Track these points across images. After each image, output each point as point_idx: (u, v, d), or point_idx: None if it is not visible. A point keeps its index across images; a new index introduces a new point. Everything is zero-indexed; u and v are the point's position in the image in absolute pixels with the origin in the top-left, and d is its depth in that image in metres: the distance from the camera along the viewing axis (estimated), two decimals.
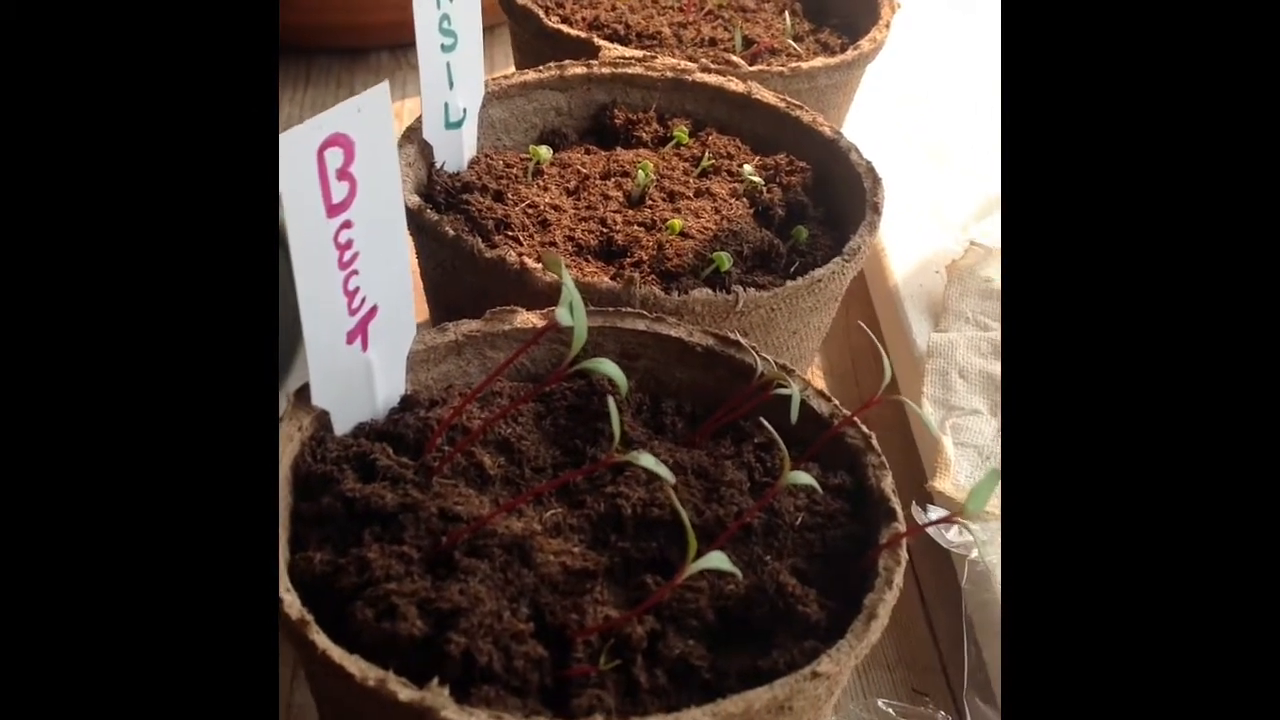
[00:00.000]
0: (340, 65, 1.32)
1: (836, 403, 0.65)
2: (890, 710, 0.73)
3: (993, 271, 1.00)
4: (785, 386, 0.63)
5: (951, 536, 0.80)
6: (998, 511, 0.81)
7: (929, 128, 1.22)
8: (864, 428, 0.64)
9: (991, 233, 1.07)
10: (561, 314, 0.57)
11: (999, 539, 0.79)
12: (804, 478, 0.58)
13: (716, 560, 0.53)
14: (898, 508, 0.60)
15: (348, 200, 0.57)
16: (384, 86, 0.57)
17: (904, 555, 0.58)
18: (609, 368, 0.57)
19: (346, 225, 0.57)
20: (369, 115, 0.57)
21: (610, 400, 0.55)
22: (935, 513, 0.80)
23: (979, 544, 0.79)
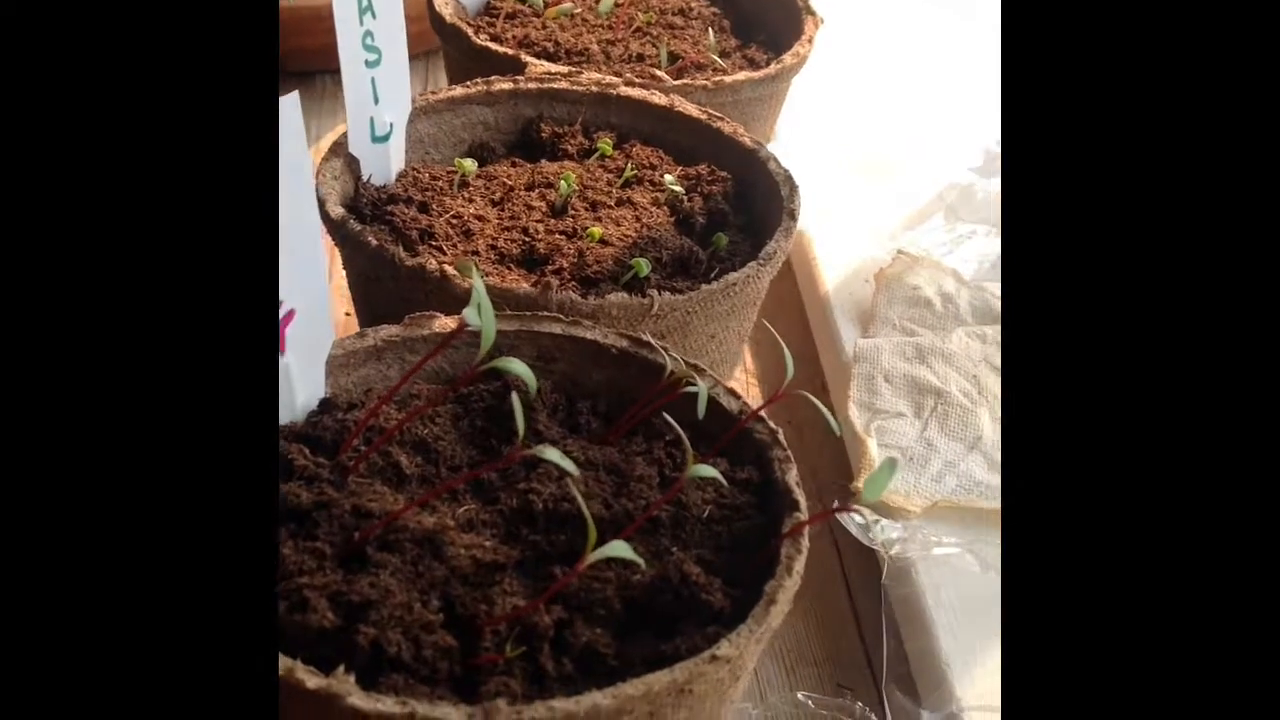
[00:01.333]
0: (284, 88, 1.33)
1: (745, 400, 0.67)
2: (809, 703, 0.75)
3: (919, 279, 1.02)
4: (694, 384, 0.65)
5: (875, 534, 0.82)
6: (916, 508, 0.83)
7: (860, 141, 1.24)
8: (770, 423, 0.66)
9: (918, 242, 1.09)
10: (469, 314, 0.59)
11: (918, 535, 0.81)
12: (707, 470, 0.59)
13: (618, 549, 0.54)
14: (801, 499, 0.62)
15: None
16: (294, 96, 0.59)
17: (805, 544, 0.59)
18: (517, 366, 0.59)
19: None
20: (281, 124, 0.58)
21: (514, 395, 0.57)
22: (856, 513, 0.82)
23: (897, 540, 0.81)
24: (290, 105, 0.59)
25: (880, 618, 0.82)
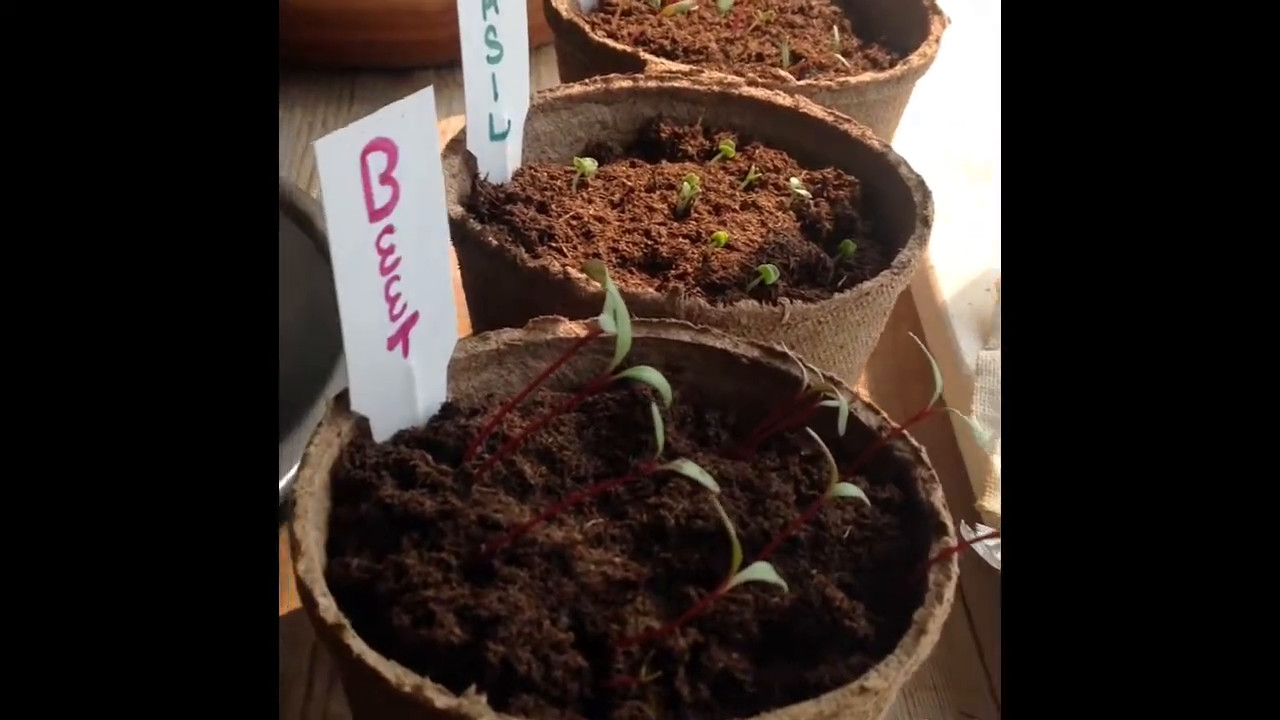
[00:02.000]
0: (385, 83, 1.32)
1: (885, 415, 0.64)
2: None
3: None
4: (832, 398, 0.62)
5: (1000, 555, 0.78)
6: None
7: (978, 146, 1.21)
8: (913, 440, 0.63)
9: None
10: (605, 320, 0.56)
11: None
12: (851, 490, 0.56)
13: (761, 571, 0.52)
14: (948, 521, 0.59)
15: (390, 205, 0.57)
16: (428, 92, 0.57)
17: (955, 570, 0.56)
18: (652, 375, 0.57)
19: (389, 230, 0.57)
20: (413, 121, 0.56)
21: (654, 407, 0.54)
22: (984, 531, 0.79)
23: None
24: (424, 102, 0.57)
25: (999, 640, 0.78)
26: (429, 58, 1.33)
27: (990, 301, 0.99)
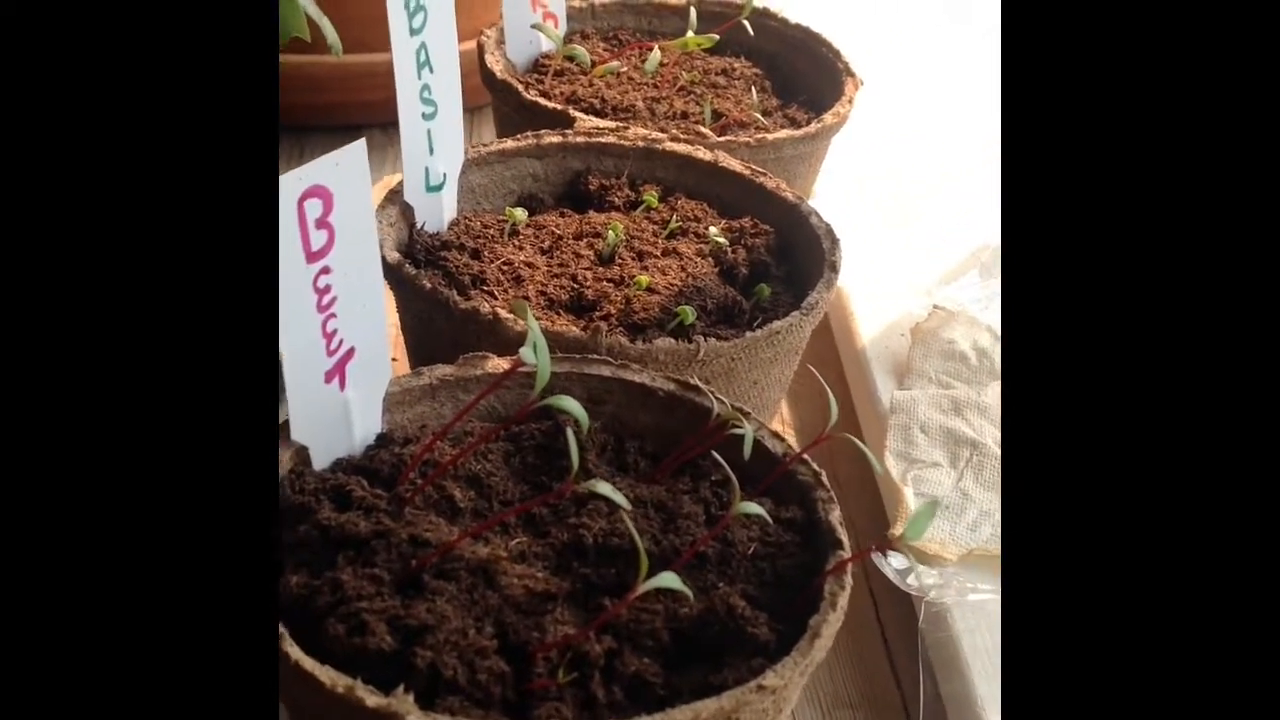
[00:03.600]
0: (335, 142, 1.35)
1: (788, 442, 0.69)
2: None
3: (955, 334, 1.04)
4: (740, 427, 0.67)
5: (911, 581, 0.83)
6: (952, 556, 0.85)
7: (895, 199, 1.27)
8: (814, 465, 0.68)
9: (955, 296, 1.11)
10: (525, 353, 0.61)
11: (954, 582, 0.83)
12: (753, 507, 0.61)
13: (668, 580, 0.56)
14: (844, 538, 0.63)
15: (326, 248, 0.61)
16: (361, 143, 0.62)
17: (848, 580, 0.61)
18: (570, 403, 0.61)
19: (325, 271, 0.62)
20: (346, 169, 0.61)
21: (568, 431, 0.59)
22: (895, 558, 0.84)
23: (934, 586, 0.82)
24: (357, 152, 0.62)
25: (915, 663, 0.83)
26: (377, 117, 1.37)
27: (905, 345, 1.04)
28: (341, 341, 0.64)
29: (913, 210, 1.25)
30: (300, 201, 0.59)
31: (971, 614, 0.81)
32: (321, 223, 0.60)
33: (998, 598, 0.82)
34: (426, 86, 0.81)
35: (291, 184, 0.58)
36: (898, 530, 0.87)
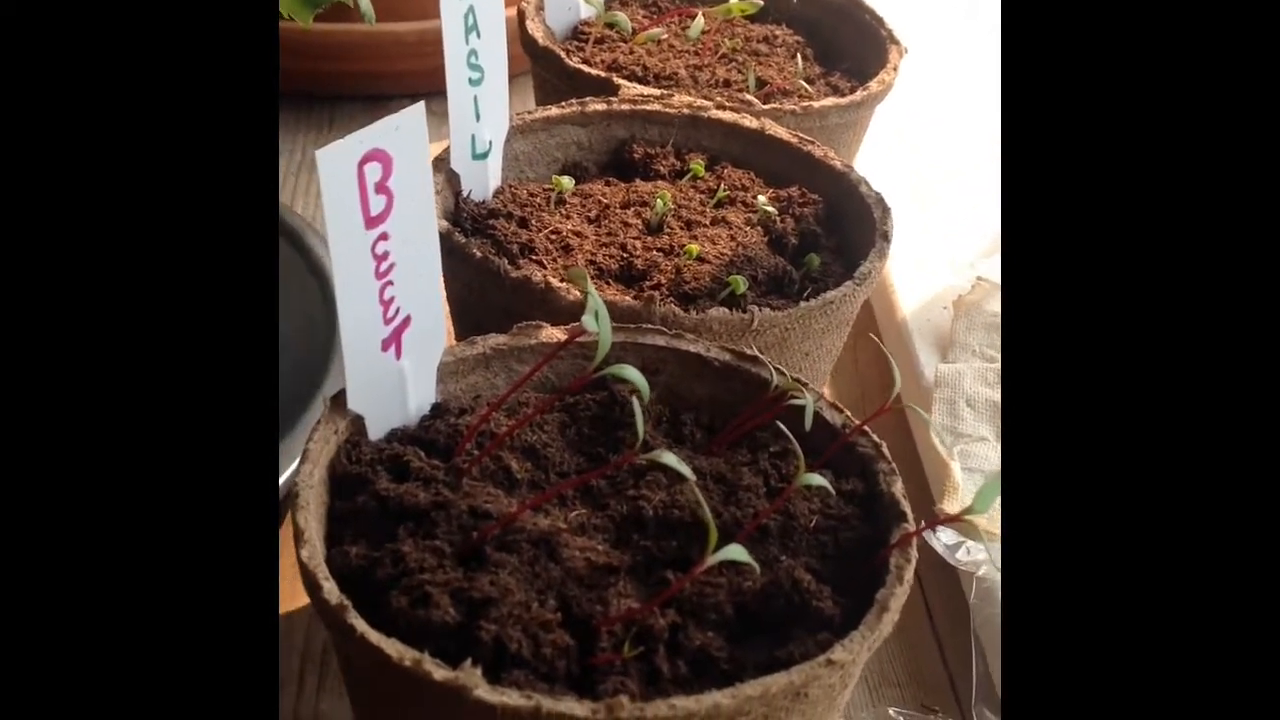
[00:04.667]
0: (363, 111, 1.35)
1: (848, 413, 0.68)
2: (900, 718, 0.75)
3: (999, 306, 1.03)
4: (799, 397, 0.66)
5: (960, 555, 0.82)
6: (999, 531, 0.84)
7: (938, 168, 1.25)
8: (874, 436, 0.67)
9: (997, 269, 1.10)
10: (587, 320, 0.60)
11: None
12: (817, 479, 0.60)
13: (735, 552, 0.55)
14: (908, 510, 0.63)
15: (385, 213, 0.60)
16: (420, 106, 0.61)
17: (914, 554, 0.60)
18: (632, 373, 0.60)
19: (383, 237, 0.61)
20: (405, 132, 0.60)
21: (633, 400, 0.58)
22: (945, 532, 0.83)
23: (984, 562, 0.81)
24: (416, 115, 0.61)
25: (960, 641, 0.82)
26: (406, 87, 1.36)
27: (948, 318, 1.03)
28: (398, 310, 0.63)
29: (953, 182, 1.23)
30: (361, 165, 0.58)
31: None
32: (381, 187, 0.59)
33: None
34: (474, 52, 0.80)
35: (352, 147, 0.57)
36: (946, 505, 0.86)
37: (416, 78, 1.34)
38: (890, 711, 0.76)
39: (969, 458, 0.90)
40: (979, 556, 0.82)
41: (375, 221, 0.60)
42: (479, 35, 0.80)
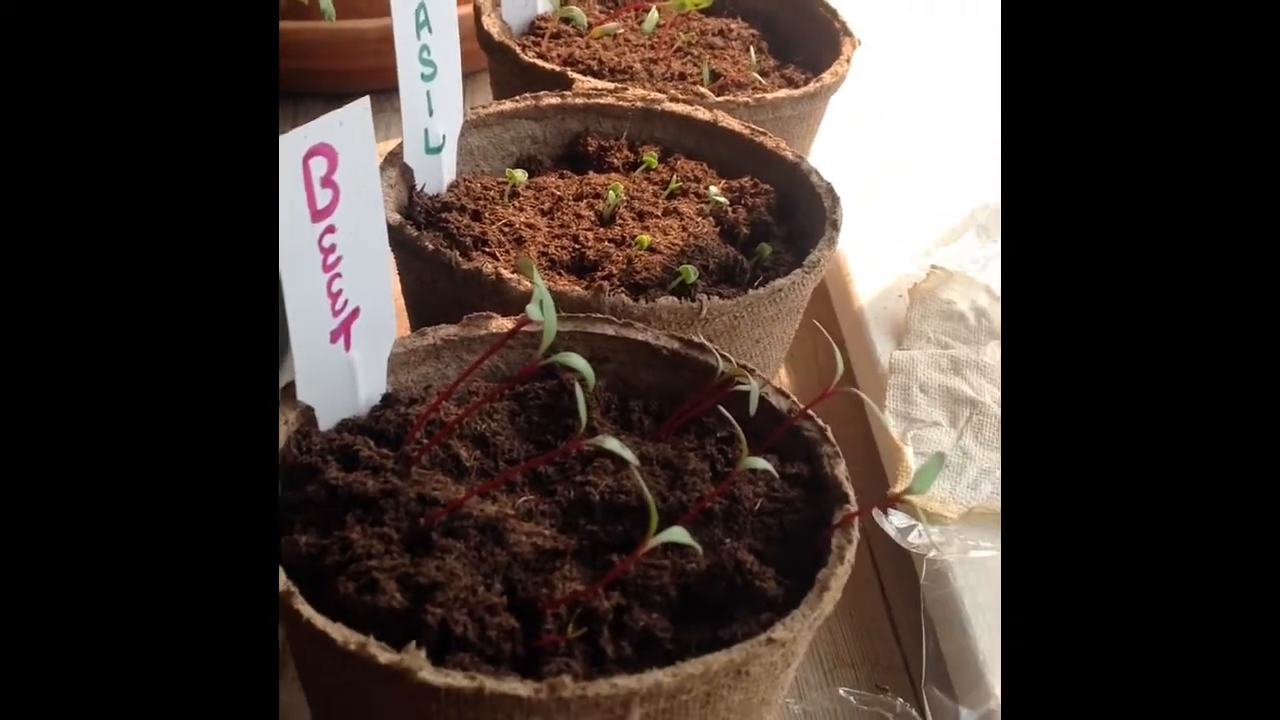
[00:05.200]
0: (325, 108, 1.35)
1: (794, 398, 0.69)
2: (851, 699, 0.77)
3: (953, 294, 1.04)
4: (745, 383, 0.67)
5: (912, 538, 0.83)
6: (953, 514, 0.85)
7: (893, 160, 1.27)
8: (819, 420, 0.68)
9: (953, 257, 1.11)
10: (532, 309, 0.61)
11: (955, 539, 0.83)
12: (760, 462, 0.61)
13: (677, 534, 0.56)
14: (850, 492, 0.64)
15: (331, 207, 0.61)
16: (364, 101, 0.62)
17: (855, 534, 0.61)
18: (577, 361, 0.61)
19: (330, 230, 0.61)
20: (350, 127, 0.61)
21: (577, 387, 0.59)
22: (898, 516, 0.84)
23: (935, 544, 0.82)
24: (360, 110, 0.61)
25: (915, 622, 0.83)
26: (369, 84, 1.36)
27: (903, 307, 1.05)
28: (347, 301, 0.63)
29: (908, 172, 1.25)
30: (305, 159, 0.58)
31: (972, 571, 0.81)
32: (326, 181, 0.60)
33: (998, 555, 0.82)
34: (426, 47, 0.81)
35: (296, 142, 0.58)
36: (899, 489, 0.87)
37: (379, 75, 1.33)
38: (841, 691, 0.77)
39: (922, 442, 0.91)
40: (931, 539, 0.83)
41: (321, 215, 0.60)
42: (430, 31, 0.81)
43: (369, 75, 1.35)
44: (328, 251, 0.62)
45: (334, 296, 0.63)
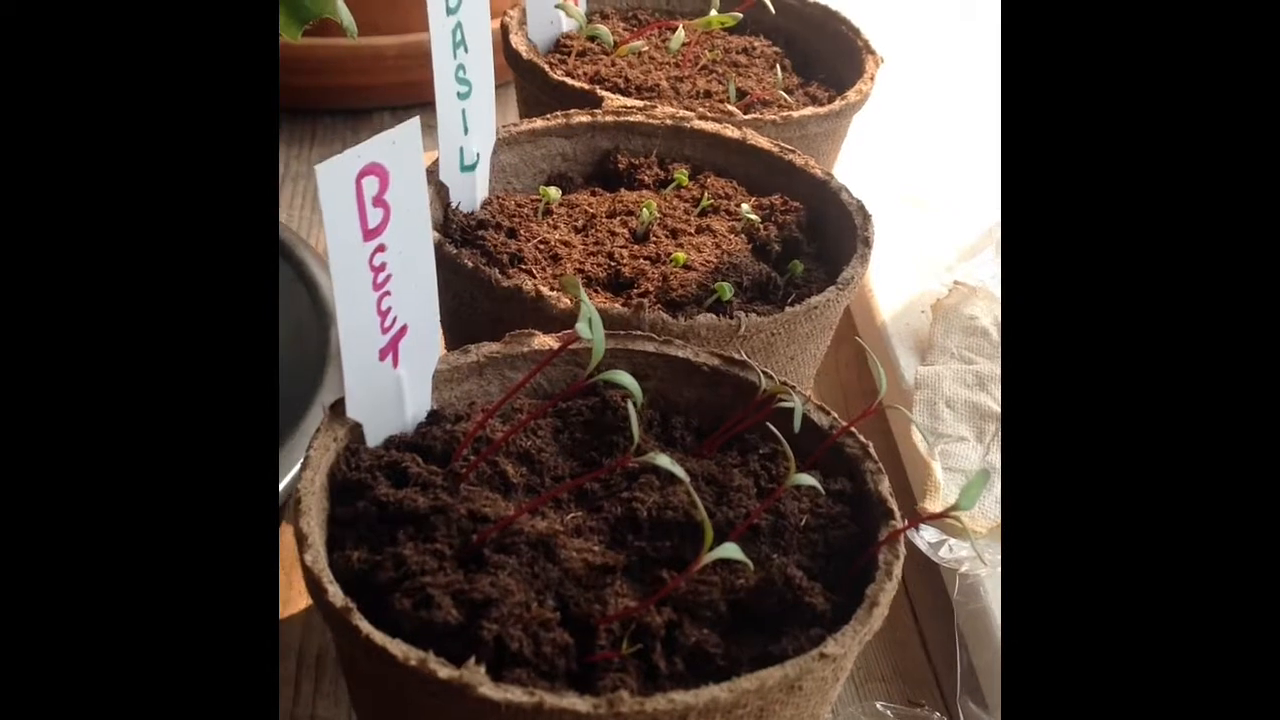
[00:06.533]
0: (345, 125, 1.37)
1: (835, 415, 0.70)
2: (888, 712, 0.77)
3: (976, 310, 1.05)
4: (787, 400, 0.68)
5: (943, 554, 0.84)
6: (982, 529, 0.86)
7: (914, 175, 1.28)
8: (861, 437, 0.69)
9: (975, 273, 1.12)
10: (581, 327, 0.61)
11: (985, 554, 0.84)
12: (807, 479, 0.62)
13: (730, 550, 0.57)
14: (894, 508, 0.64)
15: (382, 226, 0.62)
16: (415, 121, 0.62)
17: (901, 550, 0.62)
18: (624, 378, 0.62)
19: (380, 249, 0.62)
20: (401, 147, 0.61)
21: (629, 404, 0.59)
22: (927, 531, 0.85)
23: (966, 559, 0.83)
24: (412, 130, 0.62)
25: (944, 637, 0.84)
26: (387, 100, 1.38)
27: (926, 322, 1.05)
28: (395, 319, 0.64)
29: (929, 188, 1.26)
30: (358, 179, 0.59)
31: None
32: (378, 201, 0.61)
33: None
34: (461, 66, 0.82)
35: (350, 162, 0.58)
36: (928, 504, 0.88)
37: (398, 91, 1.36)
38: (878, 705, 0.77)
39: (949, 457, 0.92)
40: (961, 554, 0.84)
41: (373, 234, 0.61)
42: (467, 50, 0.82)
43: (389, 92, 1.37)
44: (378, 270, 0.62)
45: (383, 314, 0.64)
